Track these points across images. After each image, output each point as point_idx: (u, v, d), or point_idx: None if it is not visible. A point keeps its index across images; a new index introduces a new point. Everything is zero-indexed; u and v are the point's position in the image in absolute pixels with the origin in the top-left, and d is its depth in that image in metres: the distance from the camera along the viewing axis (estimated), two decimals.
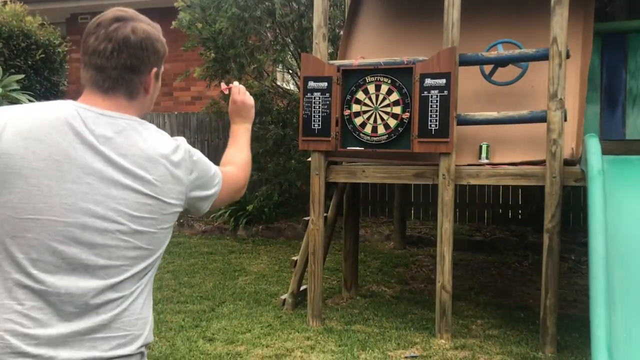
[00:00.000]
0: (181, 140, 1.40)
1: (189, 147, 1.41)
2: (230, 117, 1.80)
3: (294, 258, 5.23)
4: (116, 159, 1.27)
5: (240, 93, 1.80)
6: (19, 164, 1.19)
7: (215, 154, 8.89)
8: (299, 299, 5.07)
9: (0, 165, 1.19)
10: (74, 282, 1.23)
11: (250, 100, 1.81)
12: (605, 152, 3.92)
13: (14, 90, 5.34)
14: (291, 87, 8.70)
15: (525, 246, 6.93)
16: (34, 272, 1.21)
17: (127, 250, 1.28)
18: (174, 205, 1.36)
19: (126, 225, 1.27)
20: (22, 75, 5.77)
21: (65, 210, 1.22)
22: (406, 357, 3.91)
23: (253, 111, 1.82)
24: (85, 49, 1.32)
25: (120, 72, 1.31)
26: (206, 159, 1.47)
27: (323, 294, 4.85)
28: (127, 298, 1.30)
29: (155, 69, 1.37)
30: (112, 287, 1.27)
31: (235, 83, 1.83)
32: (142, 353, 1.36)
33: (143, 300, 1.35)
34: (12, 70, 6.23)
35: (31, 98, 5.38)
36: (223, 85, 1.87)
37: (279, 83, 8.51)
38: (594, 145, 3.68)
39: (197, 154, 1.43)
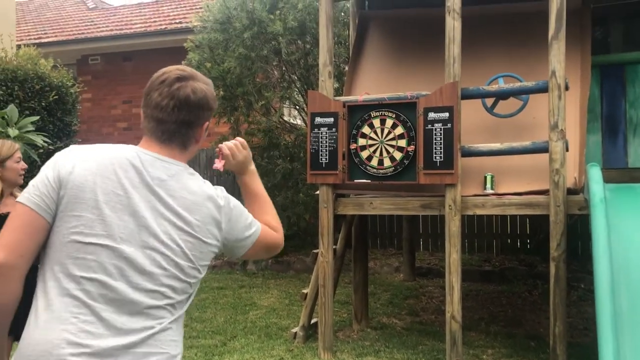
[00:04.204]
0: (221, 189, 1.57)
1: (228, 195, 1.58)
2: (237, 172, 1.80)
3: (304, 291, 5.27)
4: (167, 199, 1.45)
5: (238, 148, 1.76)
6: (87, 195, 1.39)
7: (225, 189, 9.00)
8: (310, 332, 5.10)
9: (71, 196, 1.39)
10: (123, 302, 1.38)
11: (248, 151, 1.79)
12: (608, 180, 3.98)
13: (29, 131, 5.49)
14: (298, 122, 8.85)
15: (534, 275, 6.94)
16: (91, 289, 1.37)
17: (168, 279, 1.44)
18: (211, 245, 1.52)
19: (170, 258, 1.43)
20: (37, 117, 5.92)
21: (120, 239, 1.39)
22: None
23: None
24: (147, 102, 1.50)
25: (178, 126, 1.50)
26: (243, 207, 1.61)
27: (334, 327, 4.89)
28: (166, 321, 1.45)
29: (207, 123, 1.56)
30: (155, 309, 1.43)
31: (225, 144, 1.76)
32: None
33: (177, 326, 1.50)
34: (27, 112, 6.39)
35: (45, 139, 5.53)
36: (216, 164, 1.75)
37: (286, 118, 8.66)
38: (595, 173, 3.75)
39: (234, 201, 1.58)
